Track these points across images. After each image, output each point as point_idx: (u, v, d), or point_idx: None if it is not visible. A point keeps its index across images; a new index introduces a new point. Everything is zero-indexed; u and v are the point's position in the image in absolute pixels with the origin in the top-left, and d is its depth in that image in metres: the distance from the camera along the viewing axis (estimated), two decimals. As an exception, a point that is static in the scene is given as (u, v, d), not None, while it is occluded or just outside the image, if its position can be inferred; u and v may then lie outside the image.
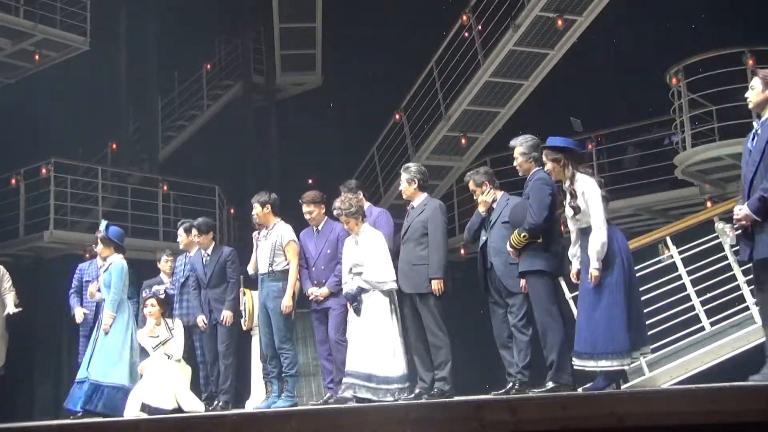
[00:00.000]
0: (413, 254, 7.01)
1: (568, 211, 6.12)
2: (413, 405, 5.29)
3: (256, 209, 7.83)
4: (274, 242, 7.66)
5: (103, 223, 8.40)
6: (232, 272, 8.34)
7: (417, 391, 6.91)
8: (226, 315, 8.17)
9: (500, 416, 4.17)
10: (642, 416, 4.08)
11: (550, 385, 6.29)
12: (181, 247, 8.71)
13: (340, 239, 7.47)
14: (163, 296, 8.21)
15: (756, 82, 5.67)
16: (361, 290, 6.97)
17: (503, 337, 6.84)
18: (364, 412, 5.06)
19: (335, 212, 7.17)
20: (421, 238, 7.01)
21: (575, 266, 6.27)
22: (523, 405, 4.29)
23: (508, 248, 6.52)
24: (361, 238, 7.09)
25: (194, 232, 8.47)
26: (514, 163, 6.74)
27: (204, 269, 8.37)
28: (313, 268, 7.59)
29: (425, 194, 7.27)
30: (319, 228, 7.67)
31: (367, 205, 7.66)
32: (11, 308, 8.83)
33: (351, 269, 7.09)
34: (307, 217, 7.68)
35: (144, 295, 8.30)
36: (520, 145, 6.69)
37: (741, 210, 5.40)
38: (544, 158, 6.30)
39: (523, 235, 6.37)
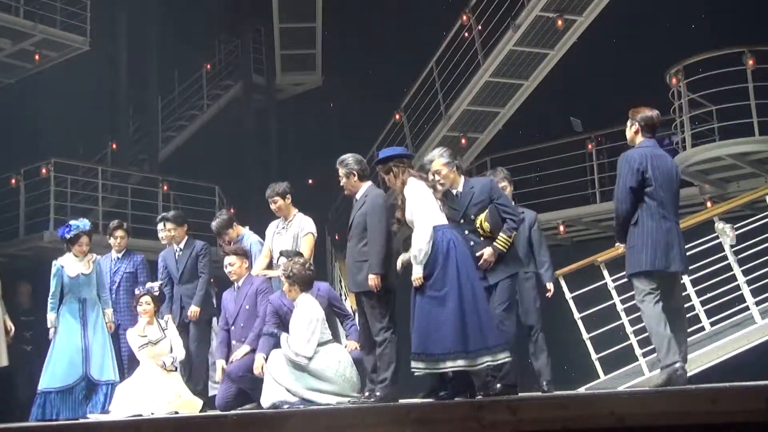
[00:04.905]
0: (355, 251, 6.55)
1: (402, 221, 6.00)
2: (413, 405, 5.29)
3: (279, 202, 7.61)
4: (296, 234, 7.53)
5: (84, 222, 7.86)
6: (203, 266, 8.17)
7: (366, 394, 6.51)
8: (194, 310, 8.03)
9: (500, 416, 4.17)
10: (642, 416, 4.07)
11: (498, 386, 6.17)
12: (164, 241, 8.49)
13: (259, 293, 7.25)
14: (157, 293, 7.76)
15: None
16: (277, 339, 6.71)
17: None
18: (364, 413, 5.06)
19: (280, 270, 6.84)
20: (363, 232, 6.49)
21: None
22: (523, 405, 4.28)
23: (488, 257, 6.19)
24: (297, 311, 6.75)
25: (168, 225, 8.28)
26: (437, 178, 6.30)
27: (176, 264, 8.22)
28: (233, 327, 7.34)
29: (367, 184, 6.70)
30: (239, 284, 7.42)
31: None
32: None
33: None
34: (229, 270, 7.43)
35: (137, 292, 7.82)
36: (440, 156, 6.35)
37: None
38: (382, 174, 6.11)
39: (513, 234, 6.28)
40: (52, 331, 7.71)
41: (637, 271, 5.98)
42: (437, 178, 6.30)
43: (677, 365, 5.73)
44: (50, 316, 7.55)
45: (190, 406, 7.28)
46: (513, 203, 7.21)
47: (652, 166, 5.96)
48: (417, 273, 5.76)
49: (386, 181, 6.13)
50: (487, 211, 6.27)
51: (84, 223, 7.75)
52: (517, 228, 6.37)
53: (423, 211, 5.83)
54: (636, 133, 6.16)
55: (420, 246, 5.76)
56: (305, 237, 7.52)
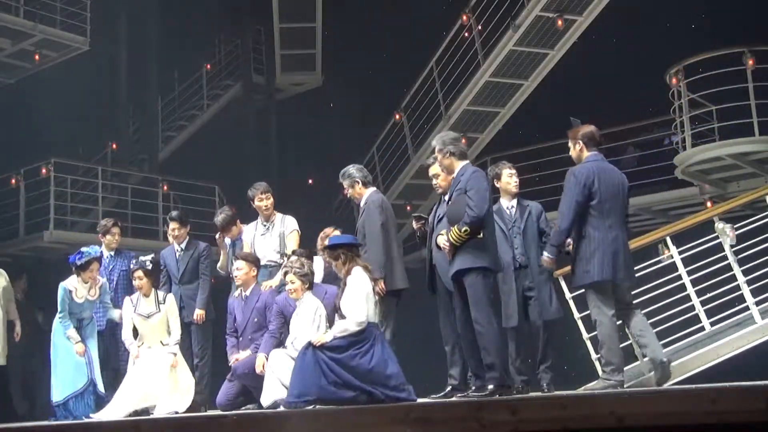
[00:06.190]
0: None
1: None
2: (413, 405, 5.29)
3: (271, 199, 7.68)
4: (281, 233, 7.58)
5: (95, 249, 7.77)
6: (205, 268, 8.16)
7: None
8: (199, 314, 8.03)
9: (500, 416, 4.17)
10: (642, 416, 4.08)
11: (490, 387, 6.06)
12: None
13: (268, 307, 7.19)
14: (150, 267, 7.56)
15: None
16: None
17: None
18: (363, 413, 5.06)
19: (284, 268, 6.85)
20: (363, 239, 6.74)
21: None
22: (523, 405, 4.29)
23: (443, 244, 6.19)
24: (301, 309, 6.73)
25: (173, 224, 8.27)
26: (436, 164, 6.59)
27: (177, 264, 8.19)
28: (240, 338, 7.32)
29: (369, 190, 6.98)
30: (247, 293, 7.37)
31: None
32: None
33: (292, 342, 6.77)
34: (236, 274, 7.40)
35: (132, 266, 7.74)
36: (436, 141, 6.48)
37: None
38: (329, 259, 6.41)
39: (464, 230, 6.04)
40: (54, 344, 7.60)
41: (587, 282, 6.26)
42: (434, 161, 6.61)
43: (618, 383, 6.21)
44: (71, 332, 7.42)
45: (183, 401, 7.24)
46: (519, 197, 7.43)
47: (599, 179, 6.30)
48: (326, 338, 6.05)
49: (333, 265, 6.36)
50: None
51: (95, 250, 7.68)
52: (470, 223, 6.04)
53: (361, 302, 6.06)
54: (581, 150, 6.54)
55: (348, 327, 6.04)
56: (291, 235, 7.58)
